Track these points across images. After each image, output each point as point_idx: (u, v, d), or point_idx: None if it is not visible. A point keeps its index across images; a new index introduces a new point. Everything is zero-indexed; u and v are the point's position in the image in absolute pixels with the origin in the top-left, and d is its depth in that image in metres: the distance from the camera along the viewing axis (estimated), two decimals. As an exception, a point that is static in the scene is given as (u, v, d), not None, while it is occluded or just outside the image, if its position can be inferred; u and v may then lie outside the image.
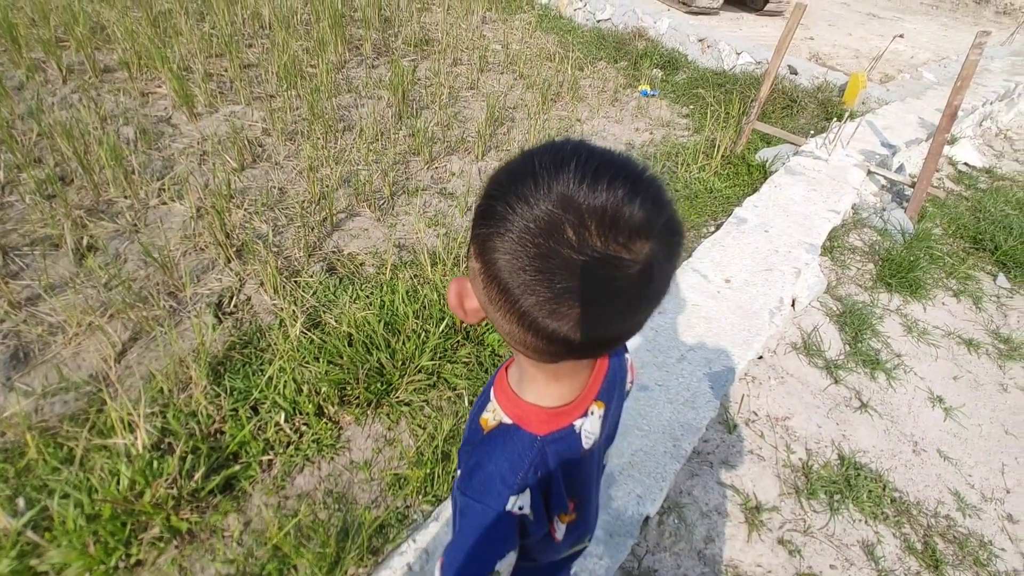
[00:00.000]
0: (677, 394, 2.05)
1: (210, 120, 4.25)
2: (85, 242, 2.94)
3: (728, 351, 2.29)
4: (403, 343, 2.43)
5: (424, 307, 2.70)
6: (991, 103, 5.37)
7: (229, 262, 2.99)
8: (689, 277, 2.63)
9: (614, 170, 0.47)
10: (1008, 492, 2.26)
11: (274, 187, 3.65)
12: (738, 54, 6.03)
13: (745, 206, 3.19)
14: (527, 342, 0.55)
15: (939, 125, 3.42)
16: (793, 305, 2.83)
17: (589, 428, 0.68)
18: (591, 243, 0.46)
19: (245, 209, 3.35)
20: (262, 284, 2.86)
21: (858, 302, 3.05)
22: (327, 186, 3.68)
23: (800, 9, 3.80)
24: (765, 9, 10.36)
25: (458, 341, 2.53)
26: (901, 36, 10.52)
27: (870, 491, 2.11)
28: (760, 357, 2.58)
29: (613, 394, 0.76)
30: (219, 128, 4.14)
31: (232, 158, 3.76)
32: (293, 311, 2.59)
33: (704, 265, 2.70)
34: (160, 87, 4.54)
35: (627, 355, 0.87)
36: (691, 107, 5.54)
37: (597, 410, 0.69)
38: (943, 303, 3.21)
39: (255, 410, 2.16)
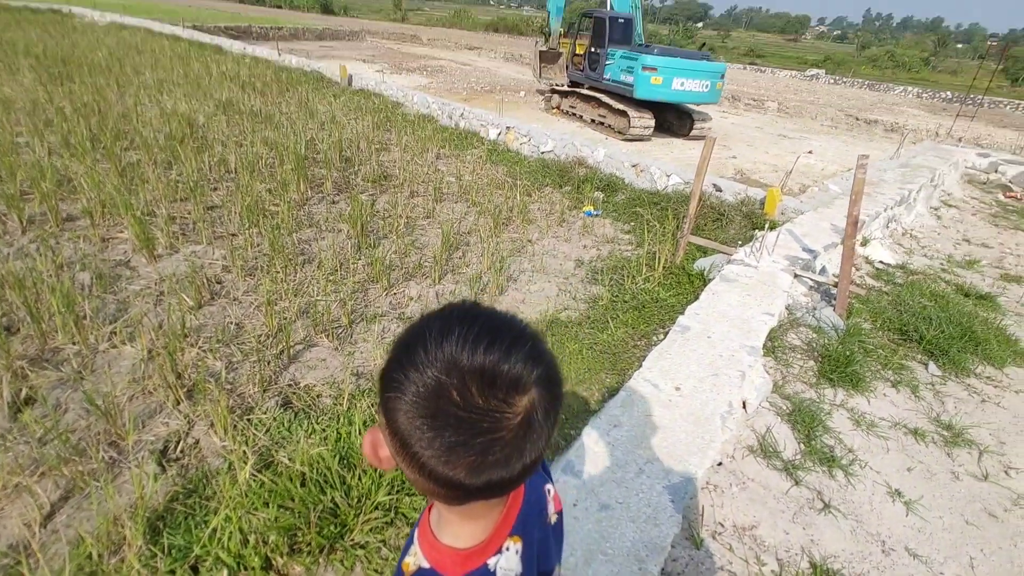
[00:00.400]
0: (639, 511, 2.03)
1: (170, 261, 4.34)
2: (23, 394, 2.83)
3: (686, 459, 2.31)
4: (359, 478, 2.35)
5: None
6: (891, 208, 6.07)
7: (178, 404, 2.90)
8: (641, 387, 2.72)
9: (492, 335, 0.56)
10: (980, 587, 2.24)
11: (231, 323, 3.67)
12: (668, 176, 6.73)
13: (687, 314, 3.39)
14: (430, 488, 0.61)
15: (846, 232, 3.84)
16: (745, 407, 2.92)
17: (505, 565, 0.70)
18: (473, 402, 0.54)
19: (199, 347, 3.33)
20: (212, 425, 2.77)
21: (805, 399, 3.18)
22: (285, 318, 3.72)
23: (711, 141, 4.37)
24: (691, 134, 11.76)
25: (416, 471, 2.47)
26: (810, 152, 12.03)
27: (845, 600, 2.05)
28: (719, 463, 2.60)
29: (532, 527, 0.79)
30: (178, 268, 4.22)
31: (189, 296, 3.80)
32: (244, 452, 2.50)
33: (654, 375, 2.81)
34: (122, 232, 4.67)
35: (549, 485, 0.91)
36: (632, 224, 6.03)
37: (513, 545, 0.72)
38: (884, 394, 3.37)
39: (195, 570, 2.00)
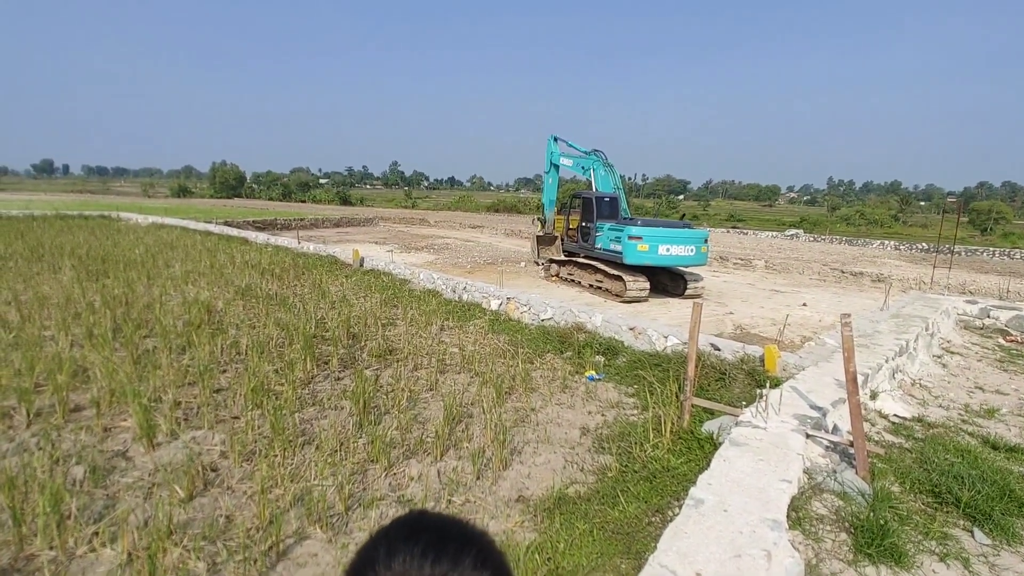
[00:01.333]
0: None
1: (168, 449, 4.28)
2: (-16, 613, 2.59)
3: (718, 670, 2.00)
4: None
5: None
6: (892, 359, 6.09)
7: (150, 618, 2.64)
8: (659, 575, 2.47)
9: (438, 547, 0.59)
10: None
11: (221, 515, 3.49)
12: (665, 337, 6.89)
13: (700, 485, 3.22)
14: None
15: (848, 389, 3.82)
16: (778, 595, 2.61)
17: None
18: None
19: (183, 546, 3.13)
20: (184, 644, 2.48)
21: (845, 581, 2.85)
22: (279, 507, 3.55)
23: (699, 306, 4.59)
24: (686, 294, 12.32)
25: None
26: (804, 305, 12.42)
27: None
28: (760, 671, 2.25)
29: None
30: (176, 456, 4.15)
31: (182, 488, 3.67)
32: None
33: (671, 559, 2.57)
34: (125, 420, 4.68)
35: None
36: (635, 387, 6.01)
37: None
38: (933, 571, 3.02)
39: None
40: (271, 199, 68.83)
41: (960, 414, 5.60)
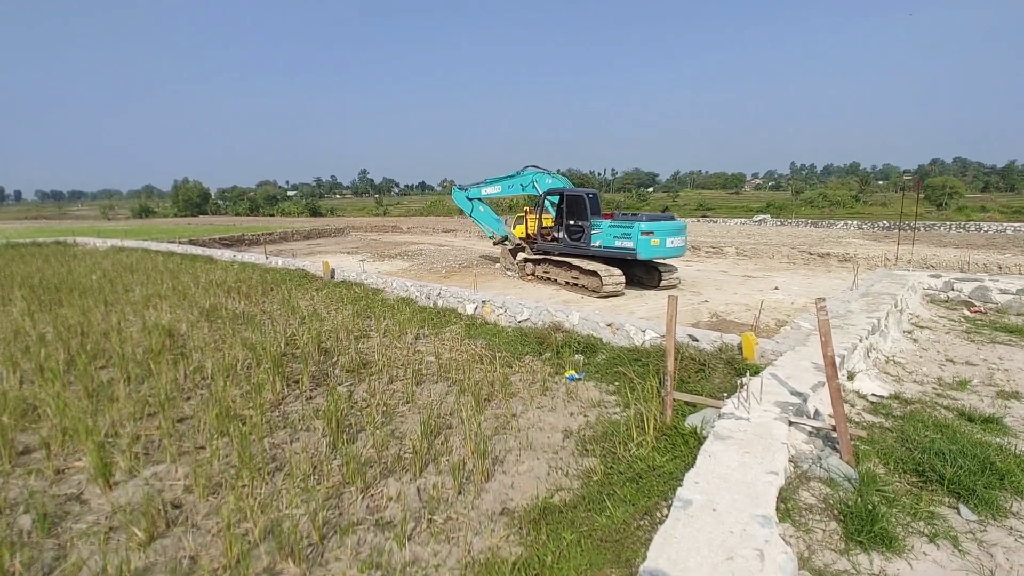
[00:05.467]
0: None
1: (127, 488, 4.01)
2: None
3: None
4: None
5: None
6: (866, 338, 6.14)
7: None
8: (650, 586, 2.36)
9: None
10: None
11: (184, 556, 3.26)
12: (643, 332, 6.83)
13: (687, 484, 3.12)
14: None
15: (827, 374, 3.79)
16: (773, 594, 2.52)
17: None
18: None
19: (143, 595, 2.89)
20: None
21: (840, 573, 2.79)
22: (248, 542, 3.33)
23: (674, 300, 4.52)
24: (661, 285, 12.35)
25: None
26: (776, 288, 12.57)
27: None
28: None
29: None
30: (135, 495, 3.88)
31: (141, 529, 3.42)
32: None
33: (661, 565, 2.46)
34: (79, 460, 4.38)
35: None
36: (616, 384, 5.92)
37: None
38: (924, 552, 2.99)
39: None
40: (238, 214, 67.21)
41: (934, 388, 5.66)
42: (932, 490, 3.54)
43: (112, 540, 3.41)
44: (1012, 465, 3.70)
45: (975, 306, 9.28)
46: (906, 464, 3.79)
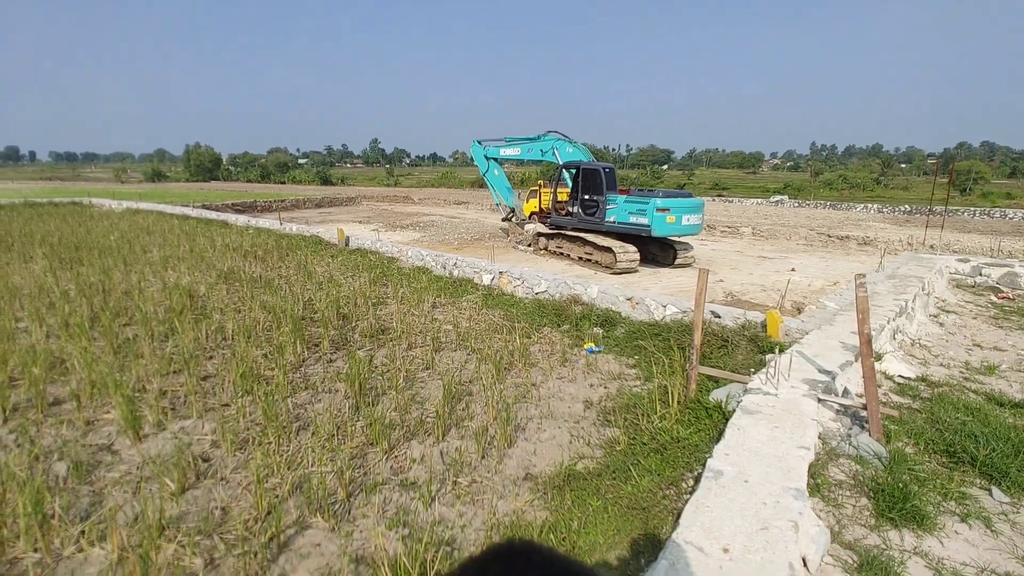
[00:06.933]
0: None
1: (156, 441, 4.07)
2: (-37, 625, 2.41)
3: (756, 649, 1.90)
4: None
5: (386, 647, 2.21)
6: (893, 320, 6.04)
7: (146, 621, 2.47)
8: (685, 552, 2.35)
9: None
10: None
11: (216, 507, 3.31)
12: (664, 307, 6.77)
13: (716, 456, 3.11)
14: None
15: (862, 352, 3.72)
16: (806, 565, 2.52)
17: None
18: None
19: (177, 542, 2.95)
20: (184, 647, 2.32)
21: (871, 547, 2.77)
22: (276, 496, 3.38)
23: (704, 273, 4.44)
24: (675, 263, 12.22)
25: None
26: (793, 270, 12.40)
27: None
28: (794, 646, 2.16)
29: None
30: (164, 448, 3.94)
31: (172, 480, 3.47)
32: None
33: (695, 535, 2.46)
34: (108, 413, 4.45)
35: None
36: (636, 358, 5.89)
37: None
38: (956, 531, 2.97)
39: None
40: (249, 181, 67.11)
41: (961, 372, 5.58)
42: (963, 471, 3.50)
43: (145, 489, 3.47)
44: (1045, 449, 3.64)
45: (1003, 292, 9.09)
46: (936, 445, 3.75)
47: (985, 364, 5.77)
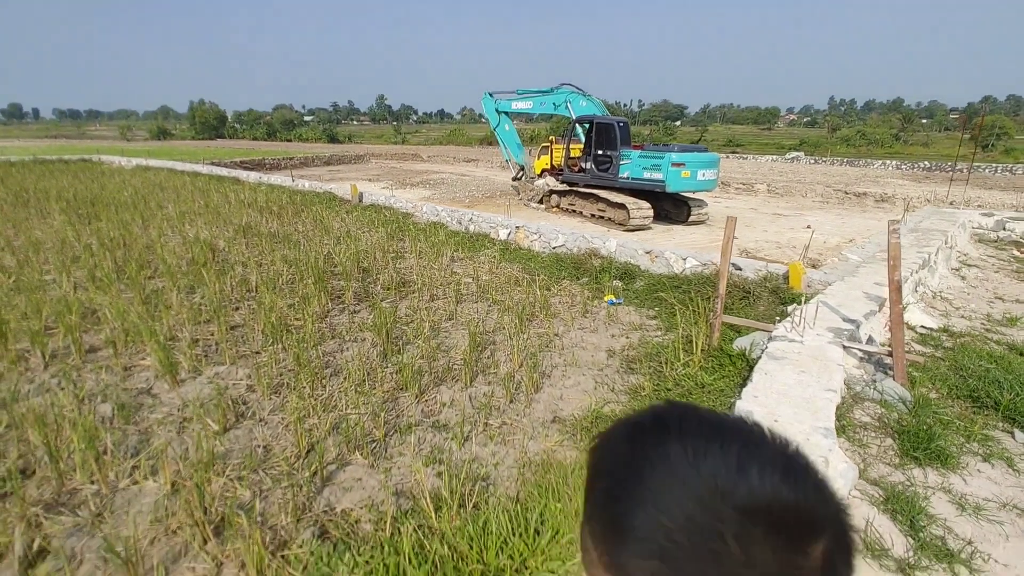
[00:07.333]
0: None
1: (193, 385, 4.20)
2: (36, 545, 2.56)
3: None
4: (416, 622, 2.03)
5: (435, 567, 2.35)
6: (916, 272, 6.00)
7: (205, 543, 2.62)
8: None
9: (756, 454, 0.41)
10: None
11: (258, 446, 3.45)
12: (683, 259, 6.75)
13: (745, 398, 3.17)
14: None
15: (891, 298, 3.72)
16: (833, 498, 2.61)
17: None
18: (759, 554, 0.38)
19: (226, 476, 3.09)
20: (243, 567, 2.47)
21: (896, 483, 2.86)
22: (315, 436, 3.51)
23: (732, 221, 4.40)
24: (689, 220, 12.07)
25: (481, 607, 2.14)
26: (809, 227, 12.24)
27: None
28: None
29: None
30: (202, 391, 4.08)
31: (214, 421, 3.61)
32: (281, 599, 2.19)
33: (728, 468, 2.55)
34: (144, 359, 4.58)
35: None
36: (656, 309, 5.93)
37: None
38: (978, 470, 3.04)
39: None
40: (255, 139, 66.36)
41: (983, 324, 5.57)
42: (987, 415, 3.56)
43: (188, 429, 3.61)
44: (1069, 395, 3.68)
45: (1025, 247, 8.97)
46: (960, 390, 3.80)
47: (1007, 316, 5.76)
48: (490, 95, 15.69)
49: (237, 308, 5.80)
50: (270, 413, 3.83)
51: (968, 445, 3.24)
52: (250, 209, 11.09)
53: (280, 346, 4.81)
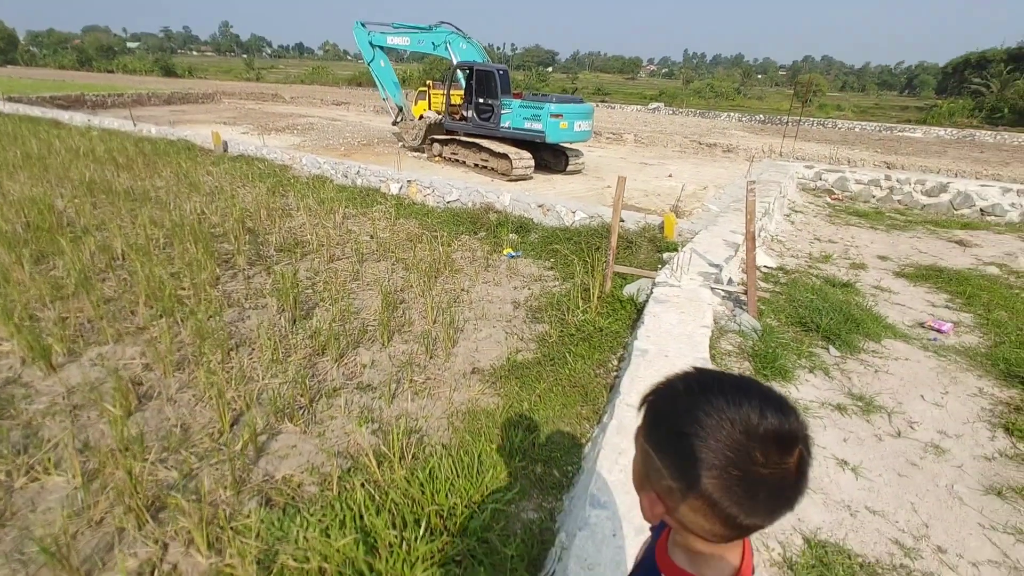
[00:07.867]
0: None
1: (75, 369, 3.81)
2: (-67, 560, 2.33)
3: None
4: (387, 561, 2.27)
5: (392, 514, 2.57)
6: (759, 219, 7.12)
7: (140, 528, 2.57)
8: (629, 413, 2.93)
9: (765, 399, 0.71)
10: (927, 527, 2.72)
11: (173, 426, 3.31)
12: (573, 212, 7.26)
13: (640, 338, 3.72)
14: (718, 532, 0.73)
15: (747, 247, 4.49)
16: (710, 413, 3.26)
17: None
18: (774, 460, 0.67)
19: (145, 460, 2.97)
20: (191, 542, 2.49)
21: (751, 396, 3.62)
22: (238, 409, 3.45)
23: (622, 180, 4.88)
24: (567, 170, 12.66)
25: (445, 542, 2.43)
26: (671, 176, 13.56)
27: (844, 567, 2.38)
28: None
29: None
30: (89, 375, 3.72)
31: (113, 405, 3.36)
32: (236, 568, 2.28)
33: (634, 399, 3.04)
34: (2, 344, 4.00)
35: None
36: (551, 260, 6.40)
37: None
38: (806, 380, 3.94)
39: None
40: (63, 67, 54.89)
41: (806, 261, 6.85)
42: (811, 336, 4.54)
43: (82, 416, 3.33)
44: (864, 317, 4.80)
45: (835, 194, 10.90)
46: (792, 318, 4.76)
47: (823, 254, 7.13)
48: (362, 25, 14.39)
49: (104, 279, 5.18)
50: (178, 391, 3.65)
51: (799, 361, 4.15)
52: (87, 160, 9.52)
53: (172, 319, 4.47)
